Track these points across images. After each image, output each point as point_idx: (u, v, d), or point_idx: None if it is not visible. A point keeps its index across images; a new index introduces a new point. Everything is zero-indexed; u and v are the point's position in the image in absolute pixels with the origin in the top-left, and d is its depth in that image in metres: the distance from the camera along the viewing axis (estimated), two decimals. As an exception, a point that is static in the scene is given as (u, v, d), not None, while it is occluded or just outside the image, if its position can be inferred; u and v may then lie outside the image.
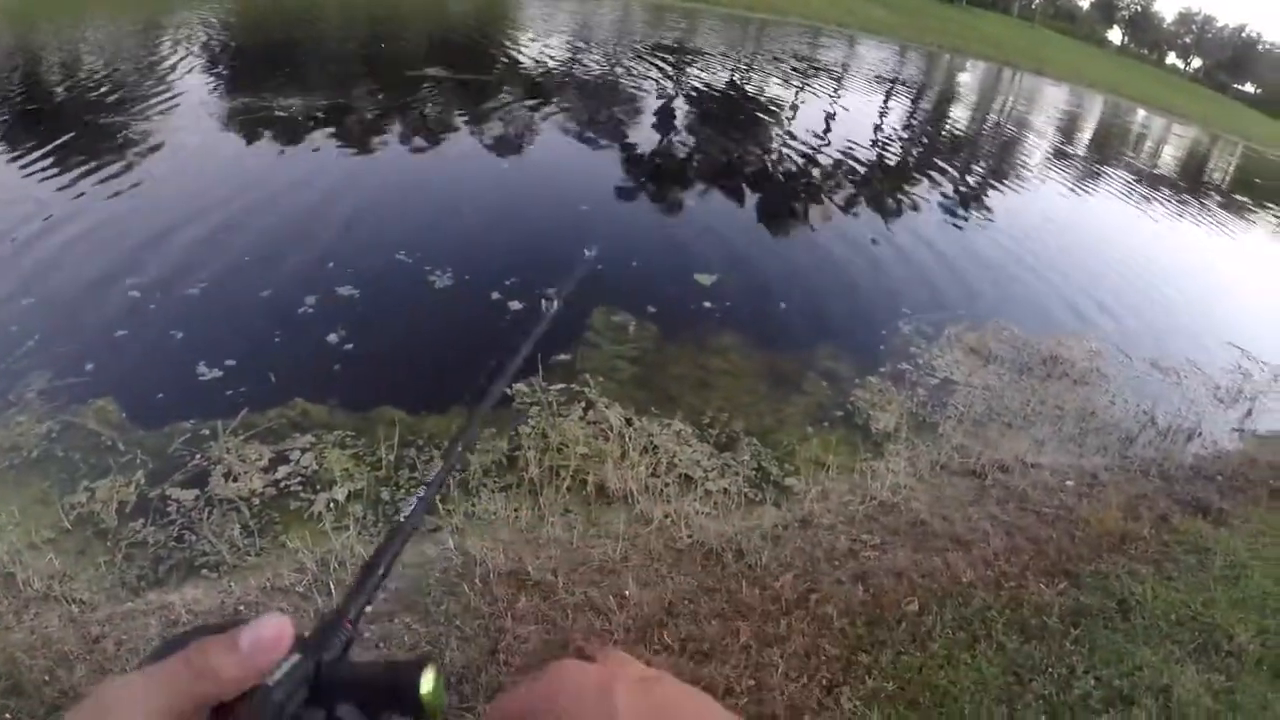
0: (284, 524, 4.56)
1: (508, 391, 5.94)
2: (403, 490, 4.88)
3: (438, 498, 4.83)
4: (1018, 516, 5.33)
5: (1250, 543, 5.64)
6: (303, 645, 0.58)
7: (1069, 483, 5.94)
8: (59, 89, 12.60)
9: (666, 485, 5.17)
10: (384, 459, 5.06)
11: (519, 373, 5.93)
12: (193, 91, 12.79)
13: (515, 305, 7.16)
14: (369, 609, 0.62)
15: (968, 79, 38.74)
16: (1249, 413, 8.19)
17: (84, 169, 9.10)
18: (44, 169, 9.01)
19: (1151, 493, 6.06)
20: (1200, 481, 6.44)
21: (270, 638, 0.56)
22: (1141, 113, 46.05)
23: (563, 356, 6.49)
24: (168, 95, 12.39)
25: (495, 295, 7.19)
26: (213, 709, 0.53)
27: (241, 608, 3.88)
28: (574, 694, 0.57)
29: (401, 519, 0.78)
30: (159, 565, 4.23)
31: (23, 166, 9.06)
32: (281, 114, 11.81)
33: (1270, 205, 25.55)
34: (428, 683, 0.60)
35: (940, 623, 4.22)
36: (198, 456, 4.99)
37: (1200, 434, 7.35)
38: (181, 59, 15.09)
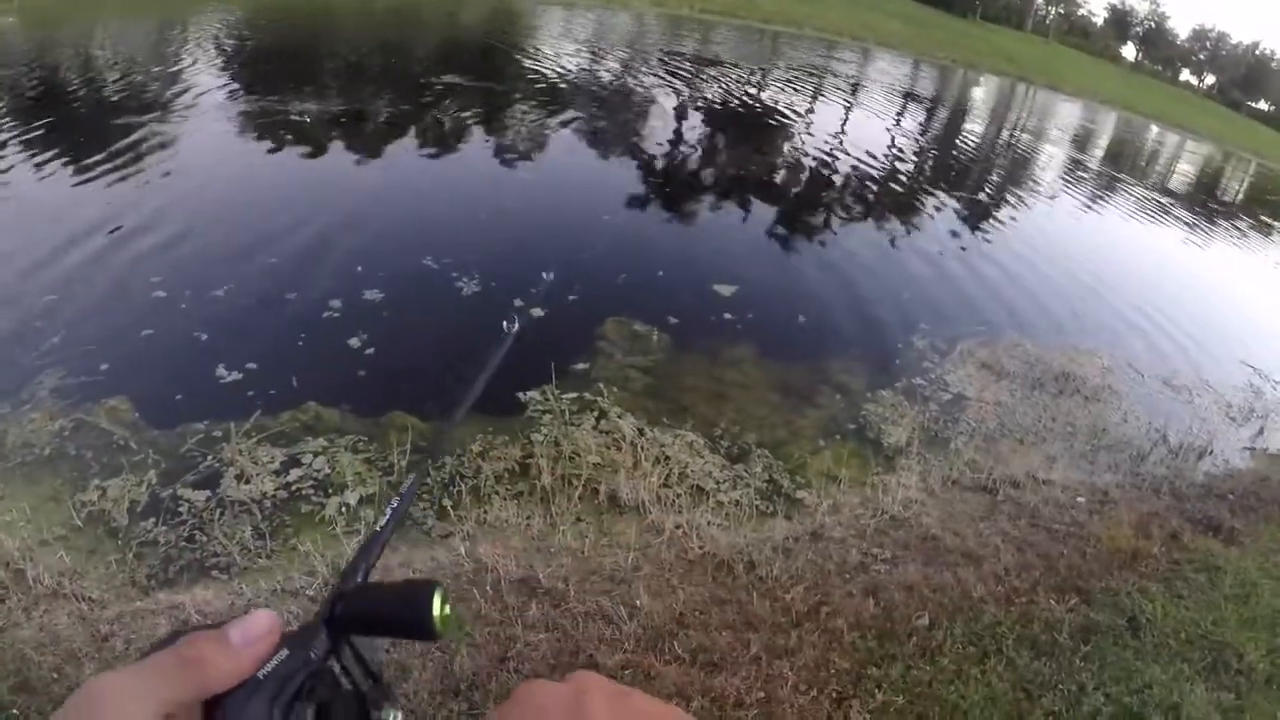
0: (295, 527, 4.59)
1: (520, 399, 5.98)
2: (415, 496, 4.89)
3: (447, 503, 4.86)
4: (1029, 532, 5.33)
5: (1261, 561, 5.62)
6: (288, 641, 0.59)
7: (1080, 499, 5.93)
8: (81, 90, 12.70)
9: (678, 496, 5.19)
10: (396, 464, 5.09)
11: (531, 382, 6.00)
12: (211, 94, 12.93)
13: (538, 313, 7.21)
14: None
15: (981, 94, 38.72)
16: (1261, 431, 8.16)
17: (103, 170, 9.21)
18: (69, 171, 9.11)
19: (1163, 510, 6.04)
20: (1212, 500, 6.42)
21: (260, 633, 0.57)
22: (1155, 129, 45.95)
23: (576, 365, 6.52)
24: (186, 98, 12.54)
25: (519, 302, 7.23)
26: (205, 703, 0.53)
27: (252, 609, 3.87)
28: (546, 707, 0.57)
29: (377, 529, 0.78)
30: (169, 565, 4.27)
31: (45, 168, 9.15)
32: (300, 119, 11.91)
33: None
34: (438, 604, 0.63)
35: (950, 637, 4.22)
36: (210, 458, 5.03)
37: (1212, 452, 7.34)
38: (199, 62, 15.24)
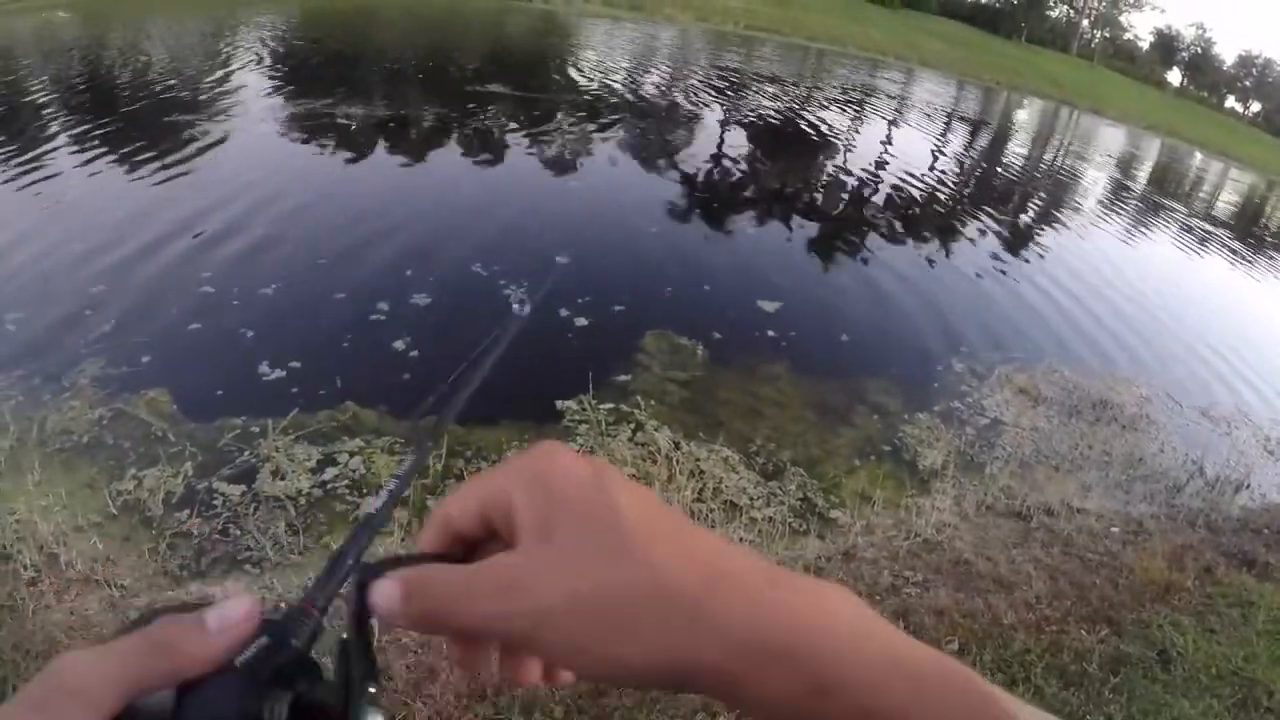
0: (328, 525, 4.68)
1: (556, 407, 6.06)
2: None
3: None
4: (1061, 561, 5.33)
5: (1295, 599, 5.60)
6: (269, 628, 0.57)
7: (1114, 529, 5.92)
8: (129, 88, 12.96)
9: (712, 511, 5.24)
10: (431, 468, 5.17)
11: (569, 390, 6.07)
12: (259, 95, 13.23)
13: (581, 321, 7.32)
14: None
15: (1025, 116, 38.47)
16: (1300, 465, 8.10)
17: (153, 166, 9.43)
18: (119, 167, 9.33)
19: (1197, 543, 6.01)
20: (1247, 534, 6.37)
21: (238, 618, 0.55)
22: (1199, 156, 45.45)
23: (616, 377, 6.59)
24: (234, 98, 12.82)
25: (564, 312, 7.35)
26: (179, 688, 0.51)
27: (282, 605, 3.94)
28: (569, 477, 0.55)
29: (371, 511, 0.75)
30: (201, 557, 4.36)
31: (93, 164, 9.37)
32: (346, 122, 12.09)
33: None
34: None
35: (979, 664, 4.24)
36: (247, 453, 5.13)
37: (1248, 486, 7.27)
38: (248, 62, 15.53)
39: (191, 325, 6.44)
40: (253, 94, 13.14)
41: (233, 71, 14.63)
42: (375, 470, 5.14)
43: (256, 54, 16.82)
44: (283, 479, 4.95)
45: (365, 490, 4.97)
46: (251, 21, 20.06)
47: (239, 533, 4.53)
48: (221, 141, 10.74)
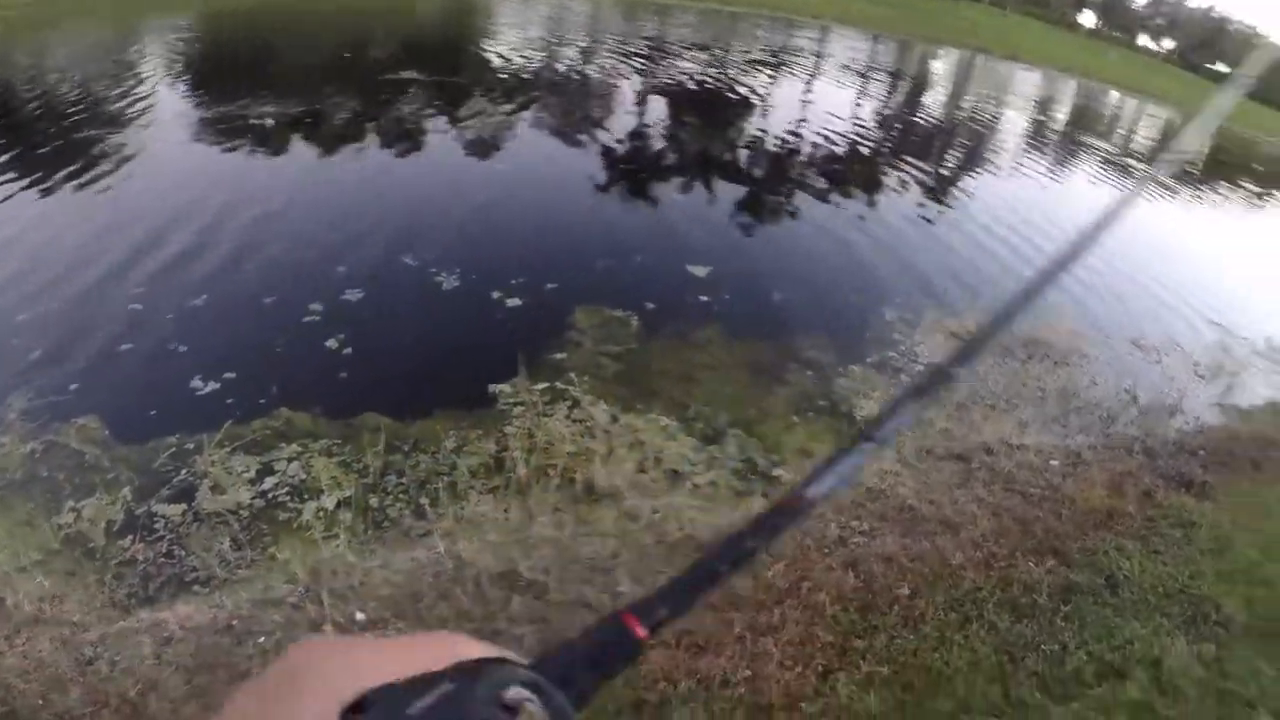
0: (273, 535, 4.55)
1: (490, 391, 5.97)
2: (391, 496, 4.88)
3: (424, 501, 4.84)
4: (1004, 498, 5.36)
5: (1234, 515, 5.70)
6: (461, 676, 0.49)
7: (1054, 463, 5.97)
8: (34, 103, 12.52)
9: (654, 481, 5.19)
10: (371, 465, 5.06)
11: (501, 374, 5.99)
12: (169, 103, 12.77)
13: (514, 302, 7.21)
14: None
15: (943, 67, 38.79)
16: (1229, 388, 8.28)
17: (66, 184, 9.08)
18: (30, 188, 8.97)
19: (1136, 469, 6.10)
20: (1183, 457, 6.48)
21: None
22: (1115, 95, 46.20)
23: (550, 356, 6.50)
24: (143, 107, 12.34)
25: (496, 294, 7.24)
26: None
27: (234, 622, 3.87)
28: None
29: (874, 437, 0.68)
30: (149, 583, 4.22)
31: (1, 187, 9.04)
32: (261, 122, 11.77)
33: (1245, 181, 25.76)
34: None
35: (932, 605, 4.24)
36: (184, 471, 4.97)
37: (1182, 410, 7.41)
38: (156, 71, 15.02)
39: (122, 346, 6.20)
40: (163, 103, 12.72)
41: (141, 81, 14.11)
42: (315, 474, 5.00)
43: (163, 62, 16.27)
44: (223, 493, 4.80)
45: (306, 495, 4.83)
46: (153, 28, 19.45)
47: (184, 553, 4.39)
48: (136, 154, 10.35)
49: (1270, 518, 5.81)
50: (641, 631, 0.59)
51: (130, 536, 4.48)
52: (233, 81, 14.76)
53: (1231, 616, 4.55)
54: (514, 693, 0.49)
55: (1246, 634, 4.46)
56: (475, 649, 0.53)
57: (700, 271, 8.31)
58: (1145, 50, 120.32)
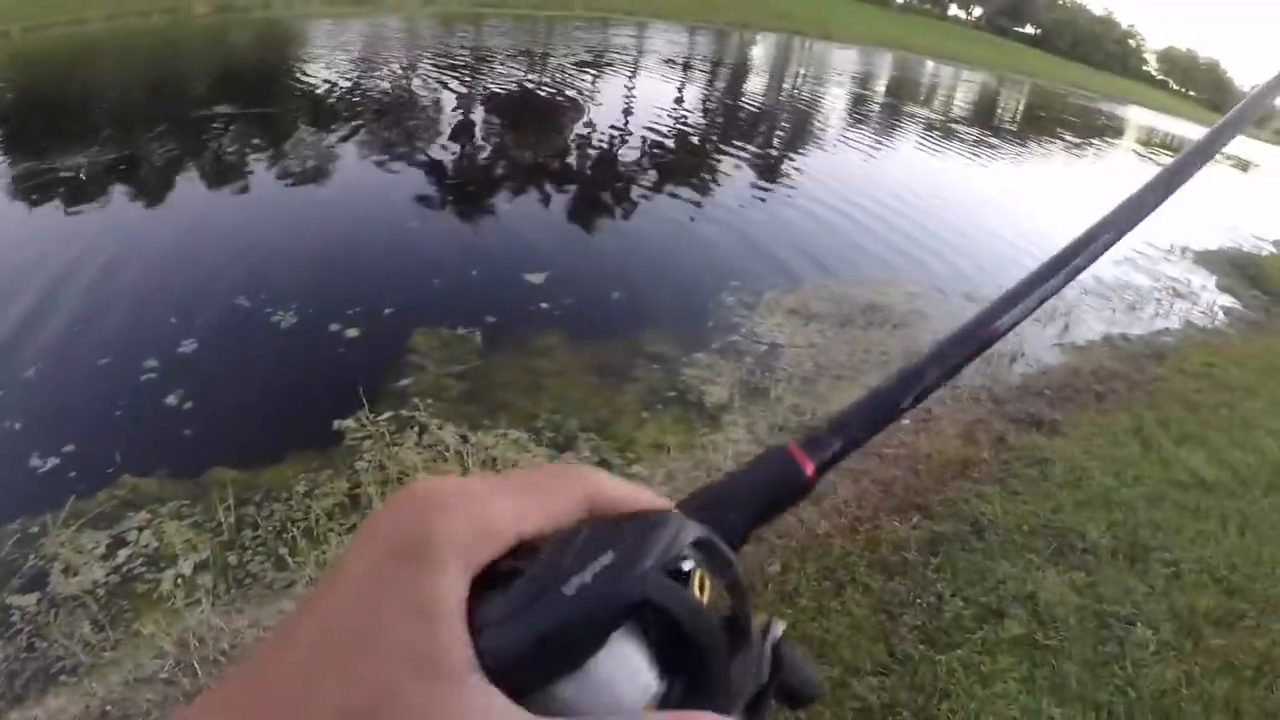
0: (134, 610, 4.17)
1: (335, 428, 5.64)
2: (249, 551, 4.54)
3: (283, 552, 4.53)
4: (860, 462, 5.30)
5: (1085, 446, 5.85)
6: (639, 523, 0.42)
7: (904, 421, 5.98)
8: None
9: (512, 495, 4.95)
10: (224, 522, 4.69)
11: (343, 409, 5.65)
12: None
13: (352, 333, 6.84)
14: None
15: (760, 52, 39.74)
16: (1066, 327, 8.57)
17: None
18: None
19: (985, 416, 6.20)
20: (1029, 397, 6.63)
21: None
22: (930, 64, 48.37)
23: (393, 384, 6.19)
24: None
25: (334, 326, 6.86)
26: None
27: (109, 708, 3.57)
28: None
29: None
30: (14, 681, 3.83)
31: None
32: (71, 174, 10.94)
33: (1061, 134, 27.23)
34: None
35: (804, 577, 4.14)
36: (32, 556, 4.52)
37: (1023, 354, 7.59)
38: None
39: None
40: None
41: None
42: (169, 540, 4.60)
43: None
44: (75, 575, 4.39)
45: (163, 564, 4.45)
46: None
47: (45, 644, 3.98)
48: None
49: (1119, 445, 5.98)
50: (810, 468, 0.52)
51: (-14, 635, 4.05)
52: (34, 132, 13.82)
53: (1097, 542, 4.63)
54: (687, 564, 0.41)
55: (1114, 557, 4.54)
56: (620, 490, 0.45)
57: (538, 279, 8.09)
58: (955, 19, 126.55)
